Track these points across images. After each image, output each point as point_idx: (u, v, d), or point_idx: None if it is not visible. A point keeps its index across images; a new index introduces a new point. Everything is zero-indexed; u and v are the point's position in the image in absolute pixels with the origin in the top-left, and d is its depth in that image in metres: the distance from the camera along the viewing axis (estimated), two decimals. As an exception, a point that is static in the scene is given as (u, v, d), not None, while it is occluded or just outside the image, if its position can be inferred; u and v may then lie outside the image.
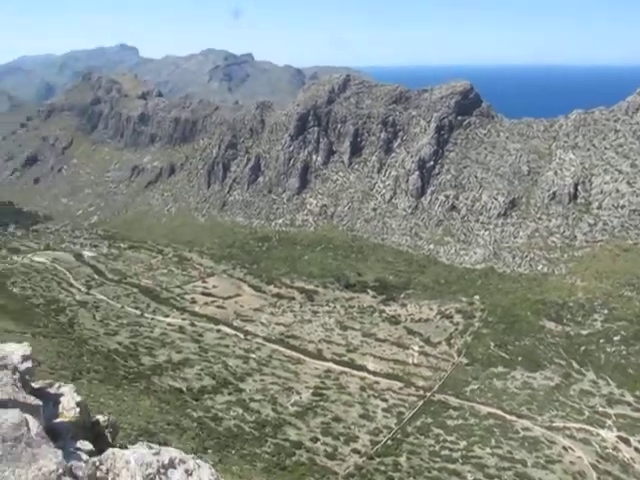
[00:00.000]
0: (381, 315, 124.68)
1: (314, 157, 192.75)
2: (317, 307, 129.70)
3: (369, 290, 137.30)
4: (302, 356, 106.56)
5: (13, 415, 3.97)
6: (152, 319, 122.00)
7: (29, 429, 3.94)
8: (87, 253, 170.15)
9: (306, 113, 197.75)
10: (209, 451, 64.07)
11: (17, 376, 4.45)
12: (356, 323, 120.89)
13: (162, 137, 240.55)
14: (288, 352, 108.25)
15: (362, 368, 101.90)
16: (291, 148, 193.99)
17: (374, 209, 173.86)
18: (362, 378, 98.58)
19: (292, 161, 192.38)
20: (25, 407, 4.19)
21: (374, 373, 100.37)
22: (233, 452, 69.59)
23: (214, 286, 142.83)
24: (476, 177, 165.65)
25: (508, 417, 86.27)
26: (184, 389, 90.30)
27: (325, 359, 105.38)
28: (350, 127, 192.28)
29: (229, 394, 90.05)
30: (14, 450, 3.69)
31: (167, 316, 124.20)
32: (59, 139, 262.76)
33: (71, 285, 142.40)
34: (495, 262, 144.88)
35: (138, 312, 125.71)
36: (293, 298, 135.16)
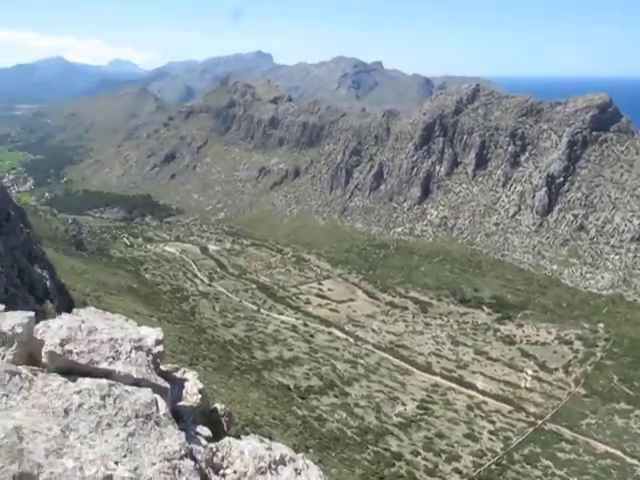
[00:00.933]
0: (495, 334, 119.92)
1: (437, 167, 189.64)
2: (430, 319, 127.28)
3: (484, 307, 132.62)
4: (410, 367, 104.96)
5: (146, 394, 4.14)
6: (267, 315, 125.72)
7: (158, 409, 4.08)
8: (212, 247, 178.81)
9: (432, 122, 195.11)
10: (310, 450, 64.72)
11: (150, 358, 4.65)
12: (468, 339, 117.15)
13: (290, 140, 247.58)
14: (397, 361, 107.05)
15: (471, 386, 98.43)
16: (415, 157, 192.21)
17: (496, 224, 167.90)
18: (470, 397, 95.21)
19: (415, 170, 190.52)
20: (155, 388, 4.36)
21: (483, 393, 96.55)
22: (333, 455, 69.80)
23: (329, 289, 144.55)
24: (609, 197, 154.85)
25: (629, 460, 78.77)
26: (292, 386, 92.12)
27: (433, 373, 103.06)
28: (476, 138, 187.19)
29: (335, 397, 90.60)
30: (145, 426, 3.84)
31: (281, 314, 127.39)
32: (195, 139, 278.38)
33: (195, 276, 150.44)
34: (625, 289, 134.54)
35: (255, 307, 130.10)
36: (406, 308, 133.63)
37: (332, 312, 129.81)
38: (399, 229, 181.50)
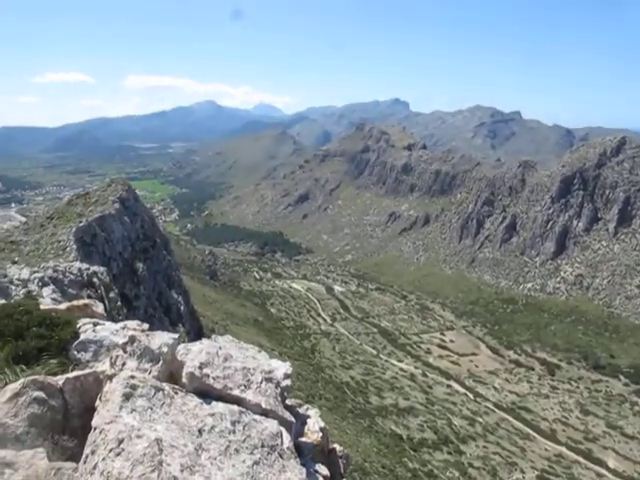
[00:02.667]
0: (632, 407, 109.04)
1: (575, 222, 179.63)
2: (557, 383, 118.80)
3: (621, 376, 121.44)
4: (532, 432, 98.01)
5: (272, 425, 4.28)
6: (386, 361, 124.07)
7: (282, 441, 4.21)
8: (337, 288, 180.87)
9: (571, 175, 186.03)
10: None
11: (278, 390, 4.82)
12: (600, 410, 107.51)
13: (421, 188, 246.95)
14: (518, 424, 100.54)
15: (600, 463, 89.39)
16: (551, 210, 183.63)
17: (639, 286, 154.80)
18: (599, 475, 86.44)
19: (550, 224, 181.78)
20: (281, 420, 4.50)
21: (615, 473, 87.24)
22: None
23: (451, 340, 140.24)
24: None
25: None
26: (404, 437, 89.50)
27: (558, 442, 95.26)
28: (620, 194, 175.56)
29: (448, 453, 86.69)
30: (269, 457, 3.97)
31: (400, 361, 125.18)
32: (329, 181, 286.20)
33: (319, 315, 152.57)
34: None
35: (374, 352, 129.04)
36: (532, 368, 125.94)
37: (453, 364, 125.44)
38: (529, 284, 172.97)
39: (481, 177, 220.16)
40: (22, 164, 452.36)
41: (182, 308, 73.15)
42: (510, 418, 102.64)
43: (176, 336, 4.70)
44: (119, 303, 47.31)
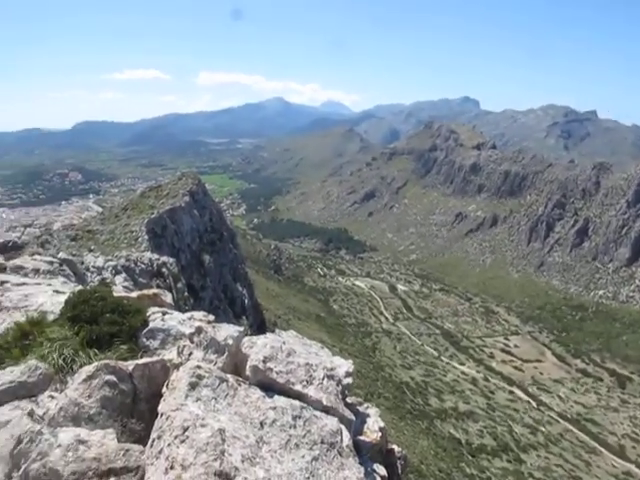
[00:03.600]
0: None
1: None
2: (628, 396, 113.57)
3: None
4: (599, 446, 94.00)
5: (332, 422, 4.31)
6: (447, 363, 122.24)
7: (342, 439, 4.22)
8: (401, 287, 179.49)
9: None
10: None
11: (340, 388, 4.84)
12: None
13: (489, 188, 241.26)
14: (583, 437, 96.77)
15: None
16: (626, 215, 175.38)
17: None
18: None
19: (625, 229, 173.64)
20: (342, 418, 4.51)
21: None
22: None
23: (515, 346, 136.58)
24: None
25: None
26: (463, 441, 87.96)
27: (627, 459, 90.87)
28: None
29: (508, 461, 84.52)
30: (328, 453, 4.00)
31: (462, 364, 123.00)
32: (395, 179, 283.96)
33: (381, 313, 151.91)
34: None
35: (435, 353, 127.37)
36: (600, 379, 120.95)
37: (516, 370, 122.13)
38: (601, 291, 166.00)
39: (553, 179, 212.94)
40: (100, 157, 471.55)
41: (246, 301, 74.50)
42: (575, 430, 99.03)
43: (241, 329, 4.80)
44: (186, 293, 48.71)
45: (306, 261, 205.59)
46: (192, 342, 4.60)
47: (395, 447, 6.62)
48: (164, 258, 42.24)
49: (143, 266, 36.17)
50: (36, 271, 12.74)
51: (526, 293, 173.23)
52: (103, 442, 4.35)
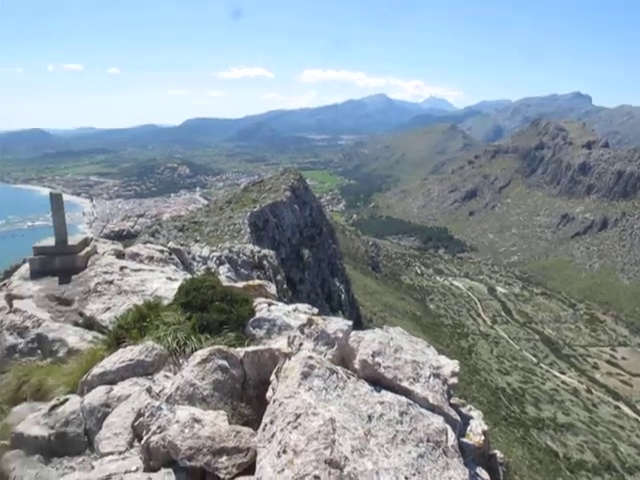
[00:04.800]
0: None
1: None
2: None
3: None
4: None
5: (438, 421, 4.30)
6: (546, 371, 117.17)
7: (447, 439, 4.21)
8: (500, 289, 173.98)
9: None
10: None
11: (445, 387, 4.82)
12: None
13: (600, 189, 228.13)
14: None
15: None
16: None
17: None
18: None
19: None
20: (447, 417, 4.49)
21: None
22: None
23: (623, 358, 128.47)
24: None
25: None
26: (561, 455, 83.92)
27: None
28: None
29: (610, 483, 79.73)
30: (433, 452, 4.00)
31: (563, 373, 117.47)
32: (498, 178, 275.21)
33: (478, 315, 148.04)
34: None
35: (534, 360, 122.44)
36: None
37: (623, 385, 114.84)
38: None
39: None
40: (207, 152, 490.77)
41: (343, 296, 75.10)
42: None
43: (350, 323, 4.88)
44: (285, 286, 49.83)
45: (404, 259, 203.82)
46: (303, 333, 4.74)
47: (498, 452, 6.49)
48: (265, 251, 43.27)
49: (245, 258, 37.27)
50: (150, 258, 13.51)
51: (638, 302, 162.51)
52: (215, 422, 4.59)
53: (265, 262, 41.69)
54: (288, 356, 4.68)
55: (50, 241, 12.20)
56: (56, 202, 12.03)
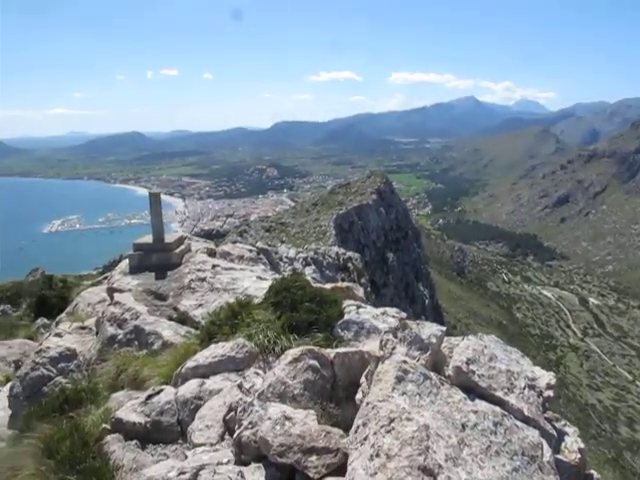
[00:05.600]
0: None
1: None
2: None
3: None
4: None
5: (533, 434, 4.15)
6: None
7: (543, 454, 4.06)
8: (592, 300, 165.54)
9: None
10: None
11: (540, 400, 4.66)
12: None
13: None
14: None
15: None
16: None
17: None
18: None
19: None
20: (542, 432, 4.33)
21: None
22: None
23: None
24: None
25: None
26: (658, 482, 78.79)
27: None
28: None
29: None
30: (528, 467, 3.87)
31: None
32: (593, 184, 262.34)
33: (568, 326, 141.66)
34: None
35: (629, 377, 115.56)
36: None
37: None
38: None
39: None
40: (295, 154, 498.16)
41: (427, 301, 74.09)
42: None
43: (444, 329, 4.81)
44: (369, 289, 49.74)
45: (491, 265, 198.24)
46: (396, 337, 4.70)
47: (594, 473, 6.18)
48: (350, 253, 43.46)
49: (330, 260, 37.56)
50: (240, 258, 13.90)
51: None
52: (306, 421, 4.64)
53: (350, 264, 41.86)
54: (379, 359, 4.66)
55: (148, 238, 12.81)
56: (155, 201, 12.63)
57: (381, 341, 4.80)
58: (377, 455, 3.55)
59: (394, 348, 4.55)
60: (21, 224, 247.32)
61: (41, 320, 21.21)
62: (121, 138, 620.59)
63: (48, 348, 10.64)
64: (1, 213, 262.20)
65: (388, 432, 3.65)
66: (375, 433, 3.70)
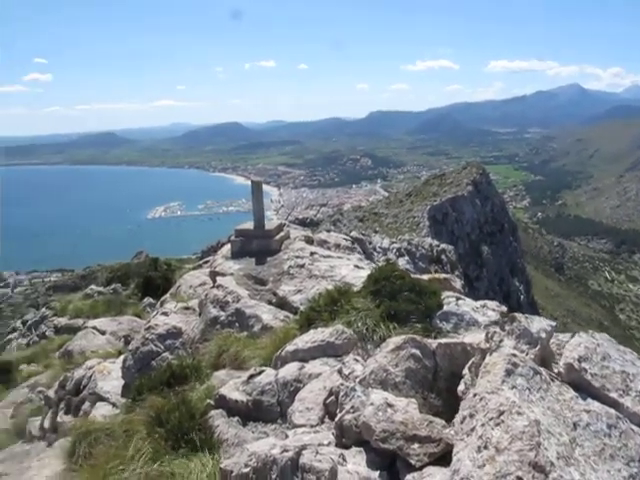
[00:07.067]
0: None
1: None
2: None
3: None
4: None
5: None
6: None
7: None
8: None
9: None
10: None
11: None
12: None
13: None
14: None
15: None
16: None
17: None
18: None
19: None
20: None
21: None
22: None
23: None
24: None
25: None
26: None
27: None
28: None
29: None
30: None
31: None
32: None
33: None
34: None
35: None
36: None
37: None
38: None
39: None
40: (389, 144, 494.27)
41: (522, 297, 71.59)
42: None
43: (554, 324, 4.65)
44: (462, 282, 48.82)
45: (592, 262, 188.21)
46: (503, 330, 4.60)
47: None
48: (444, 245, 42.76)
49: (423, 251, 37.15)
50: (337, 246, 14.04)
51: None
52: (407, 409, 4.65)
53: (443, 256, 41.20)
54: (484, 351, 4.58)
55: (249, 225, 13.22)
56: (257, 189, 13.02)
57: (487, 333, 4.71)
58: (485, 447, 3.49)
59: (501, 341, 4.45)
60: (128, 210, 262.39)
61: (147, 299, 22.55)
62: (220, 128, 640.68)
63: (156, 325, 11.32)
64: (110, 200, 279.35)
65: (497, 425, 3.58)
66: (483, 425, 3.64)
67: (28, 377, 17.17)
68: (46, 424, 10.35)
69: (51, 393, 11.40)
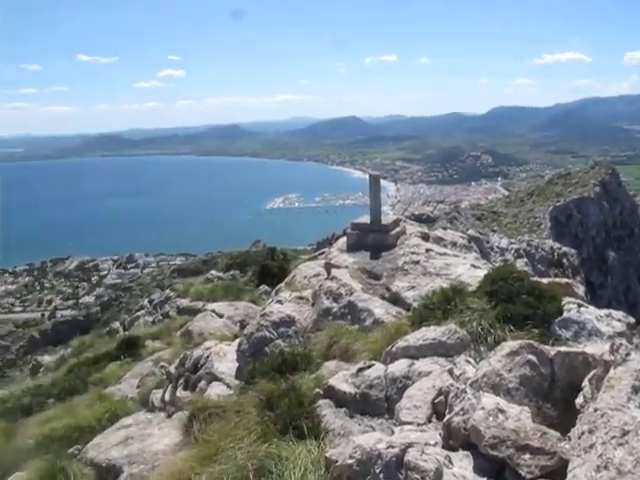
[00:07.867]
0: None
1: None
2: None
3: None
4: None
5: None
6: None
7: None
8: None
9: None
10: None
11: None
12: None
13: None
14: None
15: None
16: None
17: None
18: None
19: None
20: None
21: None
22: None
23: None
24: None
25: None
26: None
27: None
28: None
29: None
30: None
31: None
32: None
33: None
34: None
35: None
36: None
37: None
38: None
39: None
40: (511, 141, 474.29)
41: (648, 309, 66.25)
42: None
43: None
44: (584, 289, 46.04)
45: None
46: (631, 342, 4.32)
47: None
48: (565, 248, 40.55)
49: (543, 253, 35.50)
50: (453, 244, 13.75)
51: None
52: (520, 417, 4.47)
53: (565, 260, 39.07)
54: (608, 364, 4.31)
55: (366, 219, 13.28)
56: (374, 183, 13.04)
57: (612, 345, 4.42)
58: (605, 467, 3.29)
59: (628, 354, 4.16)
60: (248, 200, 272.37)
61: (263, 287, 23.33)
62: (339, 122, 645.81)
63: (271, 313, 11.69)
64: (232, 190, 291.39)
65: (620, 445, 3.35)
66: (604, 443, 3.43)
67: (152, 352, 18.34)
68: (167, 397, 11.03)
69: (172, 369, 12.13)
